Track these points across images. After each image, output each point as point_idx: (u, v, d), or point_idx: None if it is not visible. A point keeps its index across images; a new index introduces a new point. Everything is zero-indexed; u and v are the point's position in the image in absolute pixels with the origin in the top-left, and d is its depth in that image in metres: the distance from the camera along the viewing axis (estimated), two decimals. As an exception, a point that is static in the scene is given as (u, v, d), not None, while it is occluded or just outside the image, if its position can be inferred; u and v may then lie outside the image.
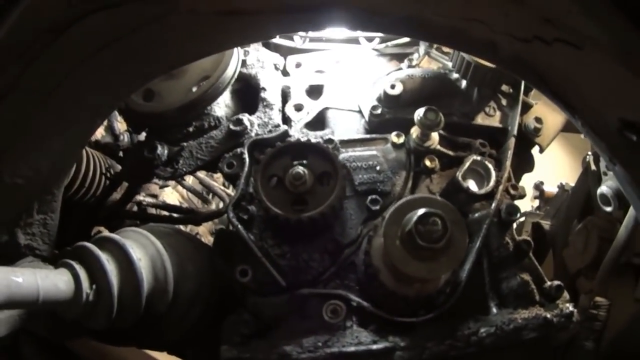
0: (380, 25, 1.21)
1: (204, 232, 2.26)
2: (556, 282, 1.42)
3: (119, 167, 1.84)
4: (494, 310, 1.40)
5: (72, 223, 1.65)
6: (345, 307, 1.36)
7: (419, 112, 1.49)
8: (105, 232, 1.73)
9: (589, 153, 2.07)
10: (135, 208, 1.86)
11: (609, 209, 1.73)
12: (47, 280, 1.08)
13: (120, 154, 1.97)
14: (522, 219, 2.70)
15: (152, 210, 1.95)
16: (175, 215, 1.91)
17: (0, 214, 1.31)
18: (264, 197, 1.39)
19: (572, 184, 2.43)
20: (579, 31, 1.00)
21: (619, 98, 1.05)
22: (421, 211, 1.22)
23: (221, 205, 2.06)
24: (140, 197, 1.87)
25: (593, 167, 1.97)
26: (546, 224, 2.26)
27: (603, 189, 1.73)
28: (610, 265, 1.72)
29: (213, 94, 1.60)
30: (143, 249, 1.35)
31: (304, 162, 1.43)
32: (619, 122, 1.04)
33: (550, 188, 2.98)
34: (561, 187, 2.64)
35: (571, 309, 1.37)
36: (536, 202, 3.22)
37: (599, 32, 0.97)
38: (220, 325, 1.41)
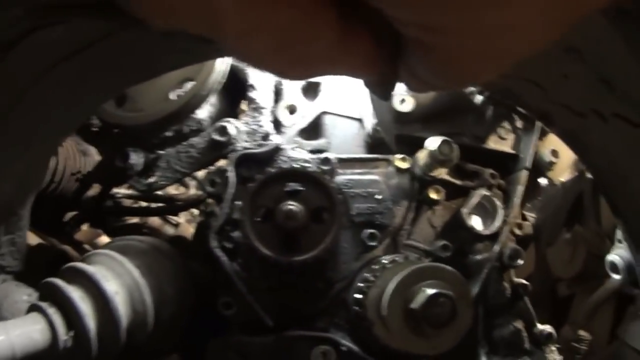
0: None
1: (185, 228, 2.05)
2: (547, 330, 1.40)
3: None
4: (483, 358, 1.38)
5: (45, 215, 1.54)
6: (335, 351, 1.31)
7: (433, 144, 1.31)
8: (77, 263, 1.59)
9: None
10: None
11: (617, 277, 1.68)
12: (22, 336, 1.04)
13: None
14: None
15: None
16: (153, 205, 1.75)
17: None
18: (252, 235, 1.26)
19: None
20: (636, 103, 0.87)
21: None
22: (431, 291, 1.13)
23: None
24: (114, 189, 1.69)
25: (588, 175, 1.90)
26: (531, 216, 2.19)
27: (615, 257, 1.65)
28: (598, 304, 1.70)
29: (197, 101, 1.37)
30: (119, 278, 1.25)
31: (298, 188, 1.28)
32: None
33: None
34: (549, 180, 2.54)
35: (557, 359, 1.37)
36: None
37: None
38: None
